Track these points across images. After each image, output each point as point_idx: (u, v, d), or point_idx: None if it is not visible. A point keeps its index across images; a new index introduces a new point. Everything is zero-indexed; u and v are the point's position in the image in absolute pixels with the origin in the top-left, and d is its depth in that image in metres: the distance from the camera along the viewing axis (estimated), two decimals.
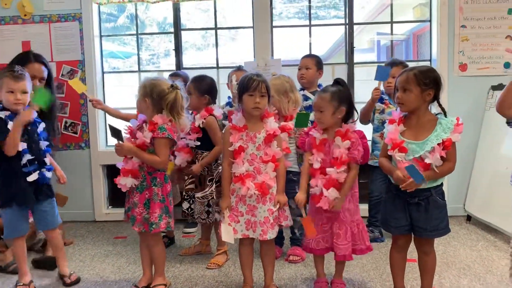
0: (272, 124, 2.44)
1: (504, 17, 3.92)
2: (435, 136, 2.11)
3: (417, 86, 2.12)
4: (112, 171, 4.13)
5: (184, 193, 3.11)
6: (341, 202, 2.36)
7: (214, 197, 2.95)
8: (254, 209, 2.40)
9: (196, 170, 2.95)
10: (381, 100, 3.35)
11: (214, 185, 2.97)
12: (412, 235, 2.29)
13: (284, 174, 2.47)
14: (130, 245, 3.47)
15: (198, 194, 2.99)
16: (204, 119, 2.95)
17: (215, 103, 3.08)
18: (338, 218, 2.41)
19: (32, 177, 2.57)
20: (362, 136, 2.43)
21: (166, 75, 3.92)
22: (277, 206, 2.40)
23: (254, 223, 2.40)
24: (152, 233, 2.49)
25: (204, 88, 2.99)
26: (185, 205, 3.08)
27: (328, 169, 2.36)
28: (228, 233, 2.39)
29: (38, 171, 2.60)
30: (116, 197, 4.20)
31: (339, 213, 2.39)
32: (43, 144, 2.68)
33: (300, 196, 2.42)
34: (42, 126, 2.70)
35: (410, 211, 2.21)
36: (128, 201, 2.57)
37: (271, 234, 2.38)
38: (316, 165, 2.42)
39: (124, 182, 2.49)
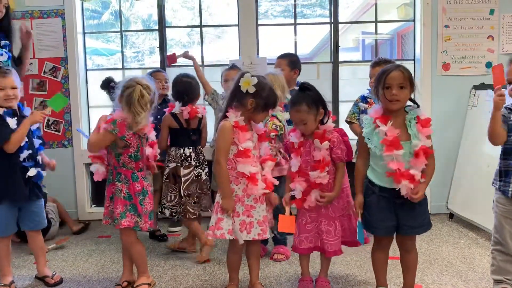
0: (258, 125, 2.44)
1: (486, 17, 3.97)
2: (414, 134, 2.07)
3: (409, 83, 2.11)
4: None
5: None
6: (330, 200, 2.35)
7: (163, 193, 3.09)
8: (251, 209, 2.34)
9: None
10: (365, 100, 3.36)
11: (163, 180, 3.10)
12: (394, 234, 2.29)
13: None
14: (114, 244, 3.44)
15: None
16: None
17: (196, 99, 3.14)
18: (326, 215, 2.40)
19: (32, 172, 2.56)
20: (343, 134, 2.42)
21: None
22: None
23: (249, 223, 2.34)
24: (117, 228, 2.49)
25: (178, 95, 3.10)
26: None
27: (311, 173, 2.34)
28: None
29: (35, 168, 2.59)
30: (100, 196, 4.12)
31: (327, 210, 2.39)
32: (36, 142, 2.66)
33: (287, 196, 2.45)
34: (36, 124, 2.68)
35: (397, 211, 2.19)
36: None
37: (270, 233, 2.40)
38: (294, 169, 2.41)
39: (93, 169, 2.55)
